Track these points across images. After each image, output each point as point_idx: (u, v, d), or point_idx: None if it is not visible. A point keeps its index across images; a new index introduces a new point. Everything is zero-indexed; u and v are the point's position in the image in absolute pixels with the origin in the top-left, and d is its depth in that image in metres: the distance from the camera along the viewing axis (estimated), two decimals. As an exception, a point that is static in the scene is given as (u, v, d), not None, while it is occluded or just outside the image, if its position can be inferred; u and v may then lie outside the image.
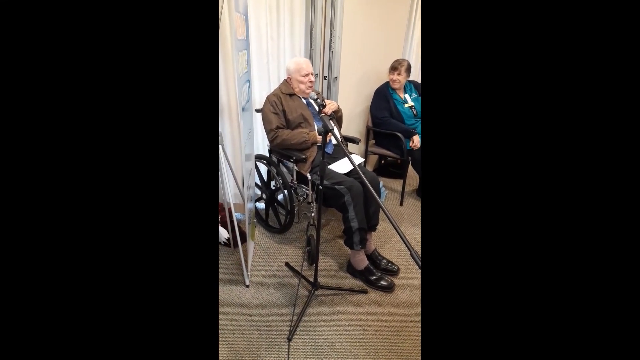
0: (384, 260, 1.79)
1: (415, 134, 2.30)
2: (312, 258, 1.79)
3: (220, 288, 1.64)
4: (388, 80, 2.46)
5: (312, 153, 1.80)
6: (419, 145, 2.29)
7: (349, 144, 2.15)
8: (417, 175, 2.65)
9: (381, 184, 2.43)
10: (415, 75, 2.81)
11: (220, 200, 2.00)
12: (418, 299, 1.61)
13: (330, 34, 2.22)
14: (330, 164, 1.76)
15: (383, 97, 2.46)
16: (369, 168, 2.99)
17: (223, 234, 1.14)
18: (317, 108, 1.89)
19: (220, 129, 1.64)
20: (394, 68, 2.39)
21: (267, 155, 2.06)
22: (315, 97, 1.60)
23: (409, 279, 1.74)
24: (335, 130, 1.44)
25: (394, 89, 2.46)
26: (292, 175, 1.93)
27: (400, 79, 2.38)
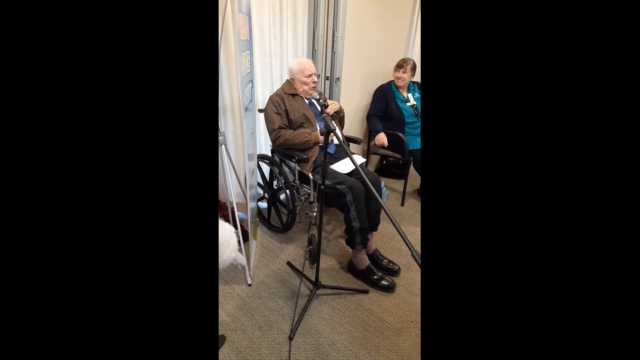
0: (385, 260, 1.79)
1: (378, 133, 2.43)
2: (313, 257, 1.80)
3: (222, 286, 1.65)
4: (393, 78, 2.48)
5: (314, 153, 1.81)
6: (385, 141, 2.38)
7: (350, 144, 2.15)
8: (418, 176, 2.65)
9: (382, 184, 2.43)
10: (418, 76, 2.81)
11: (223, 200, 2.01)
12: (419, 299, 1.62)
13: (333, 35, 2.22)
14: (332, 164, 1.77)
15: (378, 96, 2.52)
16: (371, 168, 2.99)
17: (240, 259, 1.13)
18: (319, 108, 1.90)
19: (223, 129, 1.65)
20: (399, 66, 2.42)
21: (270, 155, 2.06)
22: (318, 97, 1.60)
23: (410, 279, 1.75)
24: (337, 131, 1.45)
25: (397, 87, 2.48)
26: (294, 175, 1.94)
27: (405, 77, 2.41)
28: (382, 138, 2.39)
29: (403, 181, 2.47)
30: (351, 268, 1.77)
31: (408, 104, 2.47)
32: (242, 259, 1.12)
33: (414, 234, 2.14)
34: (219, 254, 1.00)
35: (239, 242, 1.12)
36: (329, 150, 1.86)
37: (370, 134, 2.71)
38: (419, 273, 1.76)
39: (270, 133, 1.84)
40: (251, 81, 1.76)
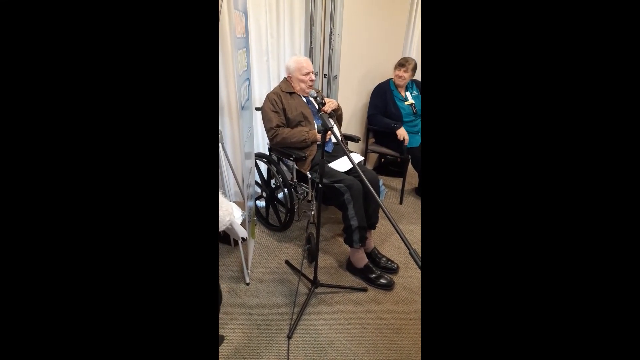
0: (384, 259, 1.79)
1: (398, 128, 2.31)
2: (312, 256, 1.79)
3: (220, 285, 1.65)
4: (392, 77, 2.47)
5: (312, 151, 1.80)
6: (406, 136, 2.29)
7: (348, 142, 2.15)
8: (416, 174, 2.65)
9: (381, 182, 2.43)
10: (416, 74, 2.81)
11: (220, 199, 2.00)
12: (417, 297, 1.62)
13: (330, 32, 2.21)
14: (330, 162, 1.76)
15: (377, 94, 2.50)
16: (369, 166, 2.99)
17: (240, 232, 1.15)
18: (316, 106, 1.89)
19: (220, 128, 1.64)
20: (401, 65, 2.40)
21: (267, 153, 2.06)
22: (315, 95, 1.60)
23: (409, 277, 1.75)
24: (335, 129, 1.44)
25: (396, 86, 2.47)
26: (292, 174, 1.94)
27: (406, 76, 2.39)
28: (404, 133, 2.32)
29: (401, 179, 2.47)
30: (349, 266, 1.77)
31: (406, 103, 2.47)
32: (242, 231, 1.11)
33: (412, 232, 2.14)
34: None
35: (244, 221, 1.11)
36: (326, 148, 1.85)
37: (369, 132, 2.71)
38: (418, 271, 1.76)
39: (267, 131, 1.83)
40: (248, 79, 1.75)
